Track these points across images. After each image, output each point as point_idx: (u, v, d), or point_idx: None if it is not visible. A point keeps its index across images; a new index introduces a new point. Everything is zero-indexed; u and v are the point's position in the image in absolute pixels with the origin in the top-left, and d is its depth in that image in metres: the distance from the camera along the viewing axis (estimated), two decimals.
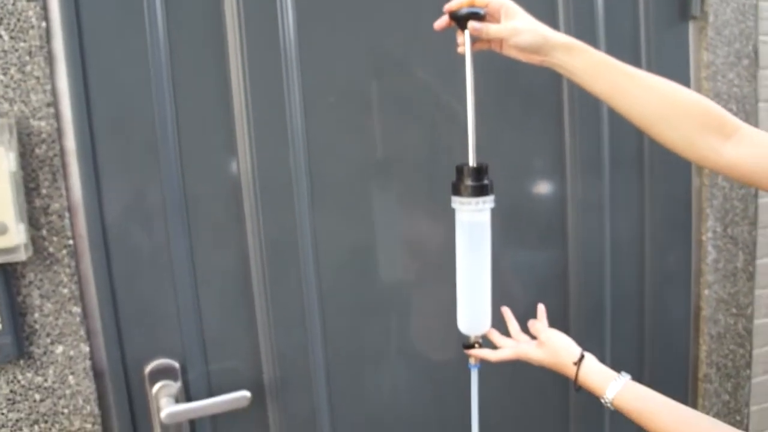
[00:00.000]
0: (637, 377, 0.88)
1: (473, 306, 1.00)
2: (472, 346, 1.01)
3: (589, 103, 1.32)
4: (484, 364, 1.02)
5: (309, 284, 1.18)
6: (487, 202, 0.96)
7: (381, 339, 1.26)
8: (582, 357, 0.93)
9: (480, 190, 0.95)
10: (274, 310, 1.17)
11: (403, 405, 1.30)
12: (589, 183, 1.36)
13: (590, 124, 1.34)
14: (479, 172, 0.95)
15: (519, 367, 1.24)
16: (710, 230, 1.48)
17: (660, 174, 1.42)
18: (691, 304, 1.53)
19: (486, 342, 1.03)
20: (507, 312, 1.05)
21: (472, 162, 0.95)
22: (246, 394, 1.10)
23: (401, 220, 1.24)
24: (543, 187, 1.36)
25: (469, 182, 0.95)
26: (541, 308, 1.04)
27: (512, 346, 0.99)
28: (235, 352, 1.17)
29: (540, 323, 1.01)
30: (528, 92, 1.31)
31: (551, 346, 0.95)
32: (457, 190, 0.96)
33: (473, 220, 0.96)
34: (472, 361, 1.02)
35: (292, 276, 1.17)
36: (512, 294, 1.32)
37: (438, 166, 1.23)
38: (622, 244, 1.42)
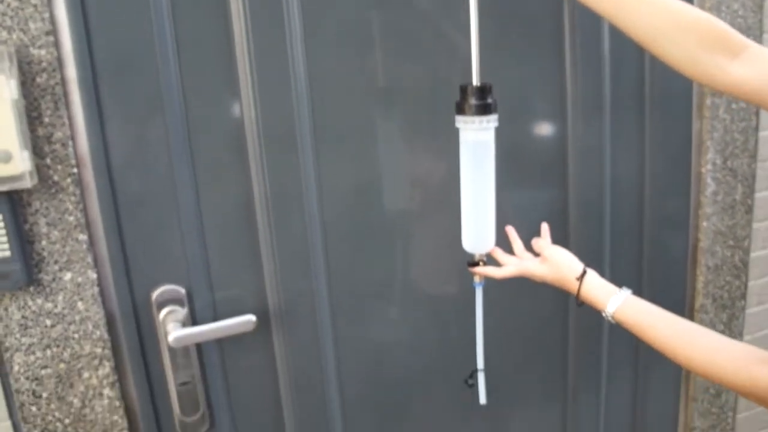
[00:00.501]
0: None
1: (477, 224, 1.02)
2: (476, 264, 1.03)
3: (590, 41, 1.32)
4: (488, 284, 1.04)
5: (312, 217, 1.20)
6: (491, 121, 0.97)
7: (385, 270, 1.29)
8: (584, 272, 0.96)
9: (484, 109, 0.96)
10: (278, 243, 1.19)
11: (406, 334, 1.34)
12: (589, 121, 1.37)
13: (591, 63, 1.35)
14: (483, 91, 0.96)
15: (521, 289, 1.28)
16: (710, 162, 1.50)
17: (661, 110, 1.43)
18: (690, 236, 1.56)
19: (490, 261, 1.05)
20: (512, 231, 1.08)
21: (475, 81, 0.96)
22: (251, 318, 1.13)
23: (404, 153, 1.26)
24: (543, 127, 1.37)
25: (473, 101, 0.96)
26: (544, 227, 1.06)
27: (516, 264, 1.02)
28: (240, 280, 1.19)
29: (543, 240, 1.03)
30: (528, 27, 1.31)
31: (554, 261, 0.98)
32: (461, 110, 0.97)
33: (477, 139, 0.98)
34: (476, 279, 1.05)
35: (295, 210, 1.19)
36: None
37: (440, 97, 1.24)
38: (621, 180, 1.44)
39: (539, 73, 1.33)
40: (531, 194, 1.37)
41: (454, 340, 1.36)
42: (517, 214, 1.34)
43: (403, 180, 1.25)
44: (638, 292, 1.39)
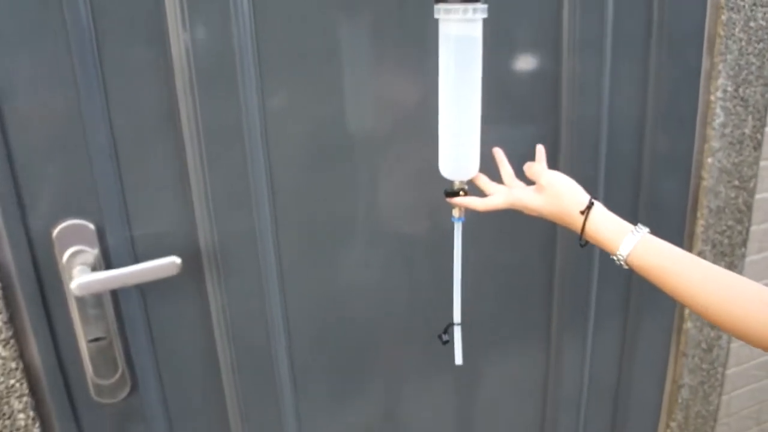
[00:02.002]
0: None
1: (459, 144, 0.84)
2: (456, 194, 0.86)
3: None
4: (467, 219, 0.87)
5: (254, 142, 1.01)
6: (478, 11, 0.78)
7: (343, 204, 1.11)
8: (591, 204, 0.78)
9: None
10: (211, 170, 0.99)
11: (368, 280, 1.17)
12: (586, 49, 1.19)
13: None
14: None
15: (501, 224, 1.11)
16: (720, 89, 1.34)
17: (669, 32, 1.26)
18: (692, 174, 1.42)
19: (473, 190, 0.88)
20: (499, 153, 0.90)
21: None
22: (175, 260, 0.94)
23: (367, 58, 1.06)
24: (535, 56, 1.18)
25: None
26: (540, 149, 0.88)
27: (505, 193, 0.84)
28: (165, 215, 0.99)
29: (538, 165, 0.85)
30: None
31: (553, 190, 0.80)
32: None
33: (461, 33, 0.79)
34: (455, 213, 0.88)
35: (232, 132, 0.99)
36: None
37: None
38: (621, 111, 1.28)
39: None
40: (519, 129, 1.19)
41: (425, 286, 1.19)
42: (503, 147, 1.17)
43: (366, 94, 1.05)
44: None
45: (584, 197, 0.80)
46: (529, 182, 0.87)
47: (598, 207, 0.79)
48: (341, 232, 1.12)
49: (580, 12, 1.16)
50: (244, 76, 0.98)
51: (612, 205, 1.32)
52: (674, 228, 1.45)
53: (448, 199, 0.87)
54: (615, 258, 0.77)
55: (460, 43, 0.79)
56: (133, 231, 0.98)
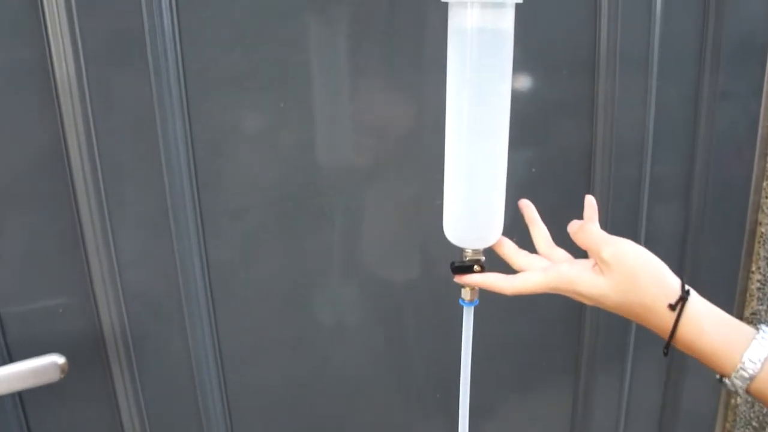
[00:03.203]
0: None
1: (474, 195, 0.57)
2: (468, 269, 0.58)
3: None
4: (485, 297, 0.60)
5: (178, 198, 0.72)
6: None
7: (302, 268, 0.82)
8: (685, 294, 0.51)
9: None
10: (116, 220, 0.71)
11: (344, 352, 0.88)
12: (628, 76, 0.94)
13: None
14: None
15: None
16: None
17: (725, 54, 1.01)
18: (747, 219, 1.17)
19: (491, 258, 0.60)
20: (528, 208, 0.62)
21: None
22: (57, 360, 0.65)
23: (340, 69, 0.78)
24: (560, 80, 0.92)
25: None
26: (590, 203, 0.61)
27: (544, 270, 0.56)
28: (51, 292, 0.70)
29: (592, 225, 0.57)
30: None
31: (624, 270, 0.52)
32: None
33: (485, 24, 0.51)
34: (466, 295, 0.60)
35: (152, 186, 0.70)
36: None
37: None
38: (664, 140, 1.02)
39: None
40: (545, 160, 0.94)
41: (418, 359, 0.91)
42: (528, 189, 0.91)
43: (337, 116, 0.77)
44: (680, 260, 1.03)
45: (673, 281, 0.52)
46: (577, 250, 0.59)
47: (696, 299, 0.52)
48: (297, 301, 0.84)
49: (622, 25, 0.90)
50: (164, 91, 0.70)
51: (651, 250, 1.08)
52: (723, 283, 1.20)
53: (458, 278, 0.59)
54: (726, 382, 0.50)
55: (483, 39, 0.52)
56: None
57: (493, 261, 0.60)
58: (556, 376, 1.13)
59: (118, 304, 0.74)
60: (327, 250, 0.84)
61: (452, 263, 0.59)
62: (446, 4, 0.53)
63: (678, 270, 1.10)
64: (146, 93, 0.69)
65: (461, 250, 0.60)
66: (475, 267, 0.59)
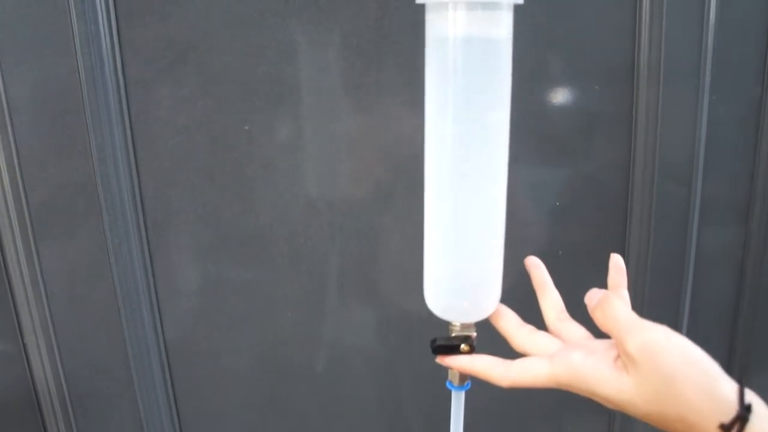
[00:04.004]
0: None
1: (463, 253, 0.44)
2: (454, 349, 0.45)
3: None
4: (477, 384, 0.47)
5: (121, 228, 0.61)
6: None
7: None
8: (745, 412, 0.37)
9: None
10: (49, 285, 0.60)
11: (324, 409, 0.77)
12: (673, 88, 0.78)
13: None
14: None
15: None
16: None
17: None
18: None
19: (485, 335, 0.47)
20: (537, 268, 0.48)
21: None
22: None
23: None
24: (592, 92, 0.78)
25: None
26: (617, 263, 0.47)
27: (552, 357, 0.43)
28: None
29: (616, 303, 0.43)
30: None
31: (657, 369, 0.38)
32: None
33: (471, 33, 0.38)
34: (454, 379, 0.47)
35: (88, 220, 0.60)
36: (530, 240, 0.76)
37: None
38: (718, 157, 0.86)
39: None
40: (570, 185, 0.80)
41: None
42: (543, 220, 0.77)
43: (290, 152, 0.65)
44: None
45: (727, 391, 0.38)
46: (596, 330, 0.45)
47: (762, 416, 0.37)
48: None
49: (667, 29, 0.75)
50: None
51: (703, 298, 0.93)
52: None
53: (440, 360, 0.46)
54: None
55: (471, 51, 0.39)
56: None
57: (484, 330, 0.47)
58: (590, 405, 0.98)
59: (52, 356, 0.63)
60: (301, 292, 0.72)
61: (433, 340, 0.46)
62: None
63: (736, 299, 0.95)
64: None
65: (448, 324, 0.47)
66: (462, 346, 0.45)
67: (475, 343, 0.46)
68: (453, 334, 0.46)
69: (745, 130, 0.88)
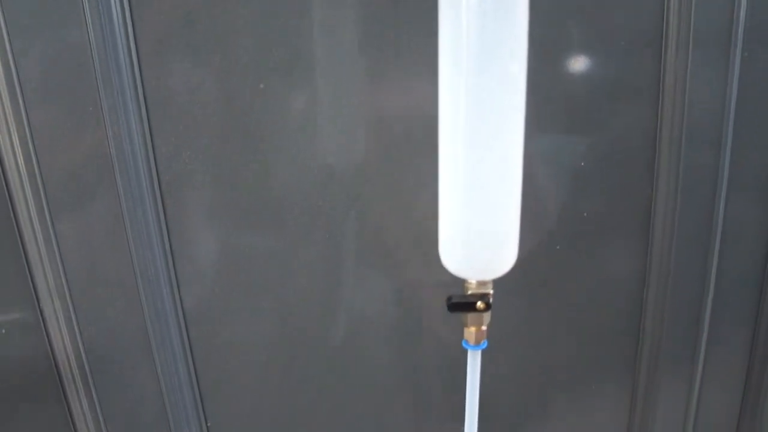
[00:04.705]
0: None
1: (478, 209, 0.43)
2: (470, 306, 0.45)
3: None
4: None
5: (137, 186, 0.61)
6: None
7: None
8: None
9: None
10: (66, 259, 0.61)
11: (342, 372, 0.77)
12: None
13: None
14: None
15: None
16: None
17: None
18: None
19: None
20: None
21: None
22: None
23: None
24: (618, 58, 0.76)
25: None
26: None
27: None
28: None
29: None
30: None
31: None
32: None
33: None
34: (470, 337, 0.47)
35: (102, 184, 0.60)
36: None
37: None
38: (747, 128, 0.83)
39: None
40: (598, 147, 0.78)
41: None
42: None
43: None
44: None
45: None
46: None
47: None
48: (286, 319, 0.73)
49: None
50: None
51: (729, 268, 0.91)
52: None
53: (457, 312, 0.46)
54: None
55: (481, 21, 0.38)
56: None
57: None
58: (612, 374, 0.97)
59: (70, 323, 0.64)
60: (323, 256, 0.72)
61: (449, 298, 0.46)
62: None
63: (761, 280, 0.93)
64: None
65: (463, 282, 0.47)
66: (479, 304, 0.45)
67: (491, 301, 0.45)
68: (469, 292, 0.46)
69: None
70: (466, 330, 0.48)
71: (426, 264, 0.75)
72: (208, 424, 0.73)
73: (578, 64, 0.76)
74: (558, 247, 0.78)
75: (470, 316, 0.46)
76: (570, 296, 0.87)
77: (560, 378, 0.94)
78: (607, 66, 0.76)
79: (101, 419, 0.68)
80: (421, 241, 0.72)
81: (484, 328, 0.48)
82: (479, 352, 0.49)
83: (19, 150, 0.59)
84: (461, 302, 0.45)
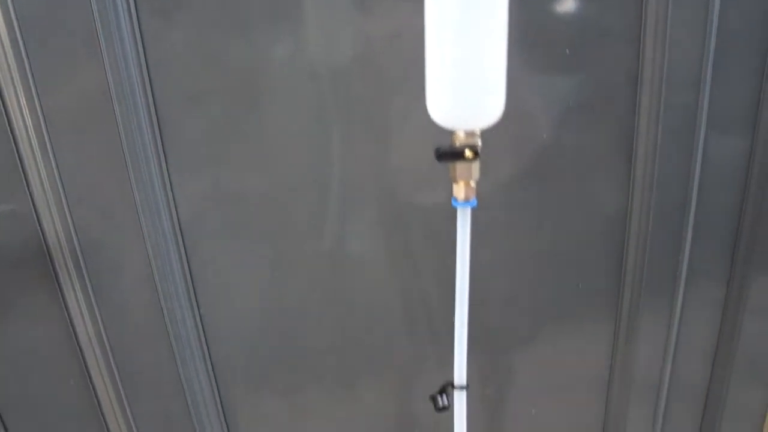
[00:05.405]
0: None
1: (465, 57, 0.43)
2: (459, 155, 0.46)
3: None
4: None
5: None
6: None
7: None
8: None
9: None
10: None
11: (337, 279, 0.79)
12: None
13: None
14: None
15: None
16: None
17: None
18: None
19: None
20: None
21: None
22: None
23: None
24: None
25: None
26: None
27: None
28: None
29: None
30: None
31: None
32: None
33: None
34: (459, 193, 0.48)
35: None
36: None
37: None
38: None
39: None
40: (584, 87, 0.81)
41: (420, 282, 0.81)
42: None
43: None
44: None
45: None
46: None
47: None
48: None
49: None
50: None
51: (707, 209, 0.93)
52: None
53: (445, 161, 0.47)
54: None
55: None
56: None
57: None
58: (595, 300, 1.01)
59: (60, 207, 0.65)
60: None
61: (437, 148, 0.47)
62: None
63: (740, 208, 0.95)
64: None
65: (452, 134, 0.47)
66: (467, 152, 0.46)
67: (479, 151, 0.46)
68: (458, 144, 0.47)
69: (756, 40, 0.86)
70: (455, 186, 0.49)
71: (419, 186, 0.77)
72: (200, 311, 0.75)
73: (563, 6, 0.76)
74: (545, 179, 0.80)
75: (459, 168, 0.47)
76: (556, 226, 0.91)
77: (547, 304, 0.98)
78: (590, 8, 0.76)
79: (94, 303, 0.70)
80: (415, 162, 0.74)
81: (472, 184, 0.49)
82: (468, 211, 0.50)
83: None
84: (449, 151, 0.46)
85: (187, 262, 0.72)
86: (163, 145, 0.67)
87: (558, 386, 1.05)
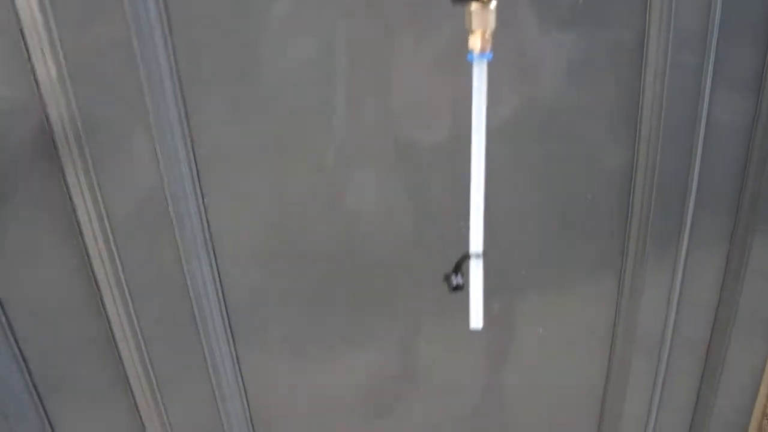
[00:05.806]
0: None
1: None
2: None
3: None
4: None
5: None
6: None
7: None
8: None
9: None
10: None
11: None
12: None
13: None
14: None
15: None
16: None
17: None
18: None
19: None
20: None
21: None
22: None
23: None
24: None
25: None
26: None
27: None
28: None
29: None
30: None
31: None
32: None
33: None
34: (475, 44, 0.47)
35: None
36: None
37: None
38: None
39: None
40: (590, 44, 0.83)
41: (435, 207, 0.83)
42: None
43: None
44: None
45: None
46: None
47: None
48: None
49: None
50: None
51: (711, 168, 0.94)
52: None
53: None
54: None
55: None
56: None
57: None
58: (599, 258, 1.03)
59: (63, 85, 0.64)
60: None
61: None
62: None
63: (743, 167, 0.94)
64: None
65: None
66: None
67: None
68: None
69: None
70: (471, 37, 0.48)
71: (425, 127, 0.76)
72: (205, 201, 0.74)
73: None
74: (551, 133, 0.82)
75: (474, 14, 0.46)
76: (561, 182, 0.93)
77: (551, 261, 1.01)
78: None
79: (96, 185, 0.69)
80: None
81: (488, 35, 0.47)
82: (485, 64, 0.49)
83: None
84: None
85: (192, 148, 0.71)
86: (169, 23, 0.66)
87: (562, 340, 1.08)
